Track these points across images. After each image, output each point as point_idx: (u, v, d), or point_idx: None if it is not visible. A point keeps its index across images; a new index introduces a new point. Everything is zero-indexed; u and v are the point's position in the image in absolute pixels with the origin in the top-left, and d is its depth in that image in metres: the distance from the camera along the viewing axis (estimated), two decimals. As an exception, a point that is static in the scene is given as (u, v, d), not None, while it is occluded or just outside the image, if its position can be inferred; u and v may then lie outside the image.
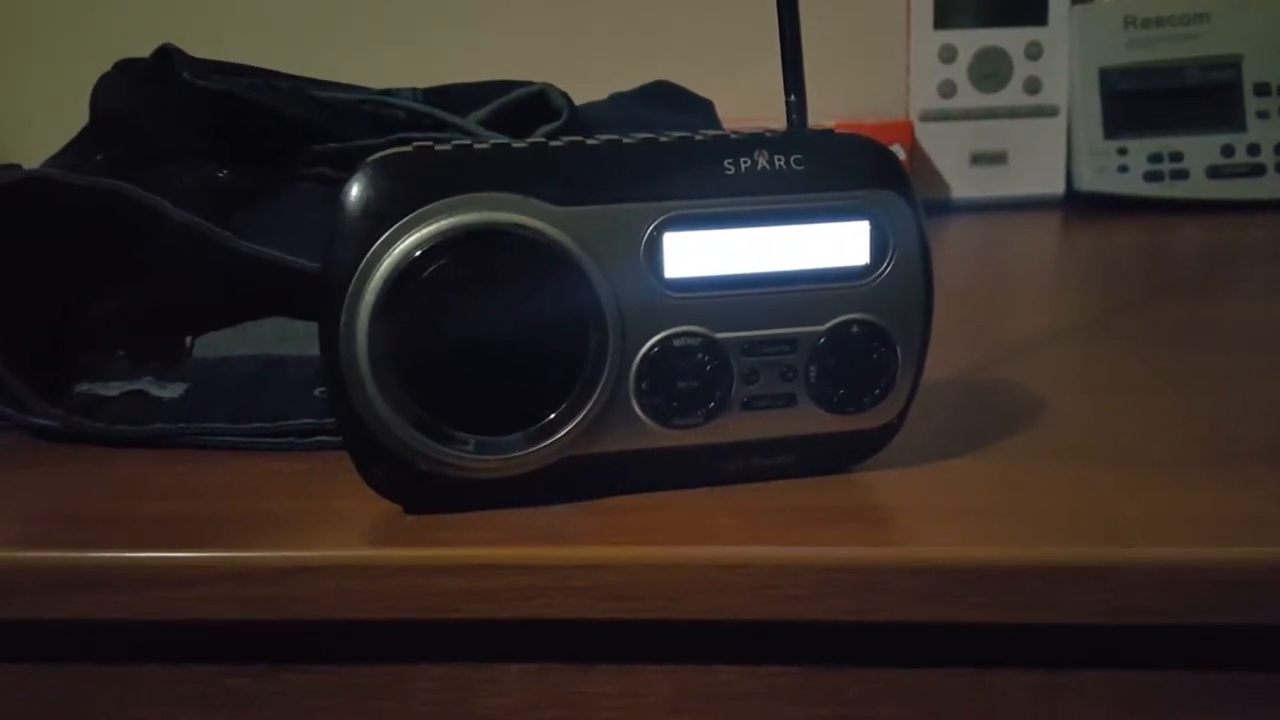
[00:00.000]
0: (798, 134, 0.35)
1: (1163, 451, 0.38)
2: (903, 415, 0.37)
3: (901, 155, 0.85)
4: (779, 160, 0.34)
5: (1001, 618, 0.32)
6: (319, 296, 0.32)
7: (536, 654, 0.35)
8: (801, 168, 0.34)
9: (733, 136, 0.34)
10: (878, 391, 0.36)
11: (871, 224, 0.35)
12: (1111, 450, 0.39)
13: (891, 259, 0.35)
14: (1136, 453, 0.38)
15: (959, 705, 0.35)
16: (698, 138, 0.34)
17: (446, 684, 0.36)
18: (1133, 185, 0.87)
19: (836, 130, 0.36)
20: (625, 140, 0.34)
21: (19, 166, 0.43)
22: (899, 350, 0.35)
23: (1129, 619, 0.32)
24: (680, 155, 0.34)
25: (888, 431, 0.37)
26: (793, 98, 0.36)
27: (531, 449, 0.34)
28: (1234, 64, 0.88)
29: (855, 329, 0.35)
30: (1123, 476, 0.36)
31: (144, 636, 0.36)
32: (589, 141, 0.34)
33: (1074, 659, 0.34)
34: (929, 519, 0.35)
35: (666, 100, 0.65)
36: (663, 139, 0.34)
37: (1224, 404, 0.43)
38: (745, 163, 0.34)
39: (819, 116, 0.36)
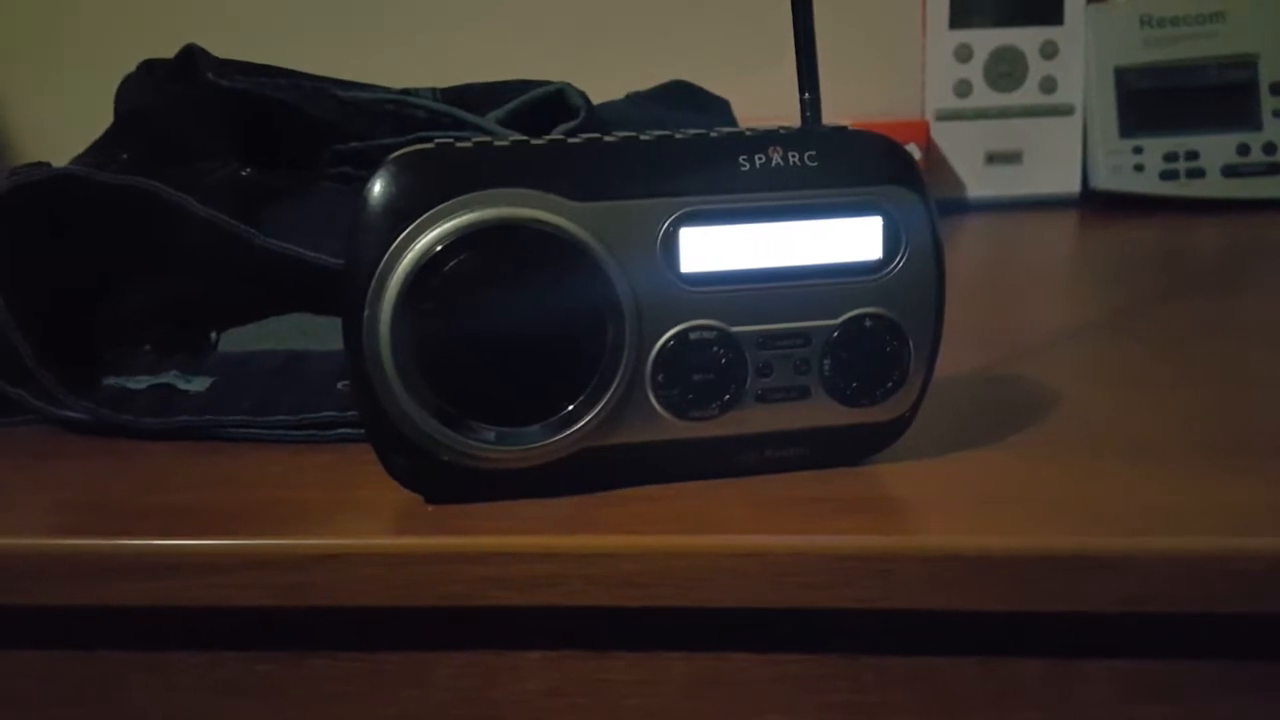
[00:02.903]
0: (812, 131, 0.36)
1: (1176, 444, 0.39)
2: (915, 408, 0.37)
3: (917, 154, 0.86)
4: (793, 156, 0.35)
5: (1013, 606, 0.33)
6: (342, 291, 0.33)
7: (555, 641, 0.36)
8: (815, 164, 0.35)
9: (747, 133, 0.35)
10: (890, 384, 0.36)
11: (884, 219, 0.35)
12: (1125, 443, 0.39)
13: (904, 254, 0.35)
14: (1150, 445, 0.39)
15: (971, 692, 0.35)
16: (713, 134, 0.35)
17: (467, 670, 0.37)
18: (1148, 184, 0.87)
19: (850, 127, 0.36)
20: (642, 137, 0.34)
21: (47, 164, 0.44)
22: (911, 344, 0.36)
23: (1140, 607, 0.32)
24: (696, 151, 0.34)
25: (900, 424, 0.37)
26: (807, 95, 0.36)
27: (550, 440, 0.34)
28: (1250, 63, 0.87)
29: (868, 323, 0.35)
30: (1136, 468, 0.36)
31: (170, 623, 0.37)
32: (606, 138, 0.34)
33: (1086, 647, 0.35)
34: (941, 509, 0.35)
35: (683, 99, 0.65)
36: (678, 136, 0.34)
37: (1240, 399, 0.43)
38: (760, 159, 0.34)
39: (835, 116, 0.37)
